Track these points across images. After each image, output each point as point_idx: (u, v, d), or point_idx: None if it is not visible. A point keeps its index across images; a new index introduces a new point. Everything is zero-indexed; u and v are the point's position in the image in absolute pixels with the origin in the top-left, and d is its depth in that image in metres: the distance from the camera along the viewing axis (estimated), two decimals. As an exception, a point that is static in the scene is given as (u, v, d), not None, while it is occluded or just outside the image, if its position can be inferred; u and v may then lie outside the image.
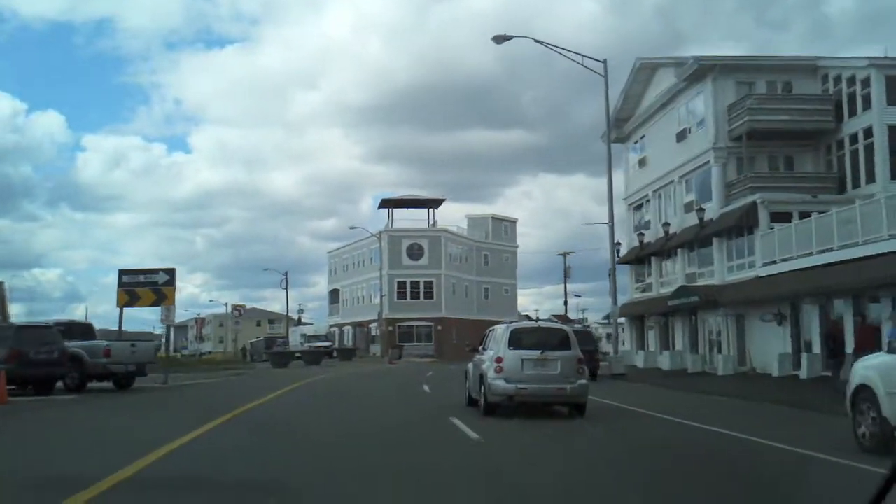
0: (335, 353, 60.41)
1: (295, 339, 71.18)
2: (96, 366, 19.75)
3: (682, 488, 7.15)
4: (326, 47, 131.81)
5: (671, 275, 34.85)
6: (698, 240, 31.12)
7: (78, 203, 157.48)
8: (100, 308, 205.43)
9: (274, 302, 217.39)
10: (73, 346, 19.40)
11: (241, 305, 38.36)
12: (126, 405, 16.51)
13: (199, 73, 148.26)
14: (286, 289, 79.65)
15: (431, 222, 70.30)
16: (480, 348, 14.59)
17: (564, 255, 75.52)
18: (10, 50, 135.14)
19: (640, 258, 37.28)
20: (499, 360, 12.84)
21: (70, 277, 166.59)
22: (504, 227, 77.60)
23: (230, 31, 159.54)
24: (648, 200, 37.29)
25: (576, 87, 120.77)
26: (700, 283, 30.91)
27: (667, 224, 33.68)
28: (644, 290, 37.75)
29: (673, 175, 34.22)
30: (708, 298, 27.14)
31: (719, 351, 28.67)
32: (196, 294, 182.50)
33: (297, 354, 51.24)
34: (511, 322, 15.91)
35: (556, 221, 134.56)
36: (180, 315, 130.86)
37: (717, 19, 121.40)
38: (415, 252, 66.81)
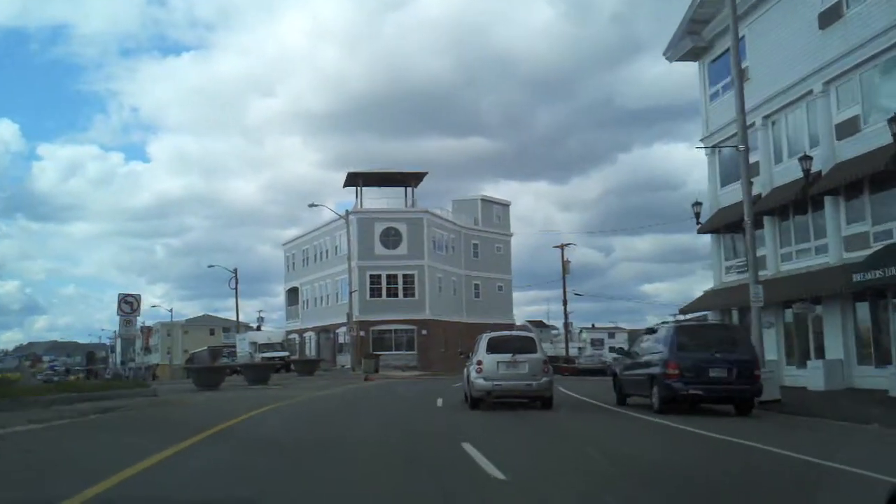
0: (292, 366, 47.64)
1: (244, 348, 57.89)
2: None
3: None
4: (283, 54, 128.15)
5: (811, 241, 22.54)
6: (877, 178, 18.94)
7: (34, 213, 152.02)
8: (61, 320, 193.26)
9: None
10: None
11: (133, 295, 25.16)
12: None
13: (156, 80, 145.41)
14: (236, 288, 66.57)
15: (411, 202, 57.39)
16: (470, 354, 17.43)
17: (562, 246, 63.52)
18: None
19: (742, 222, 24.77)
20: (479, 362, 15.87)
21: (28, 289, 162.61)
22: (495, 211, 64.87)
23: (186, 38, 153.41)
24: (755, 132, 24.96)
25: (534, 92, 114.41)
26: (877, 246, 18.82)
27: (807, 158, 21.39)
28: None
29: (809, 83, 22.01)
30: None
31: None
32: (159, 305, 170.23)
33: (238, 369, 38.03)
34: (491, 332, 17.75)
35: (520, 226, 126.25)
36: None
37: None
38: (391, 238, 53.71)
